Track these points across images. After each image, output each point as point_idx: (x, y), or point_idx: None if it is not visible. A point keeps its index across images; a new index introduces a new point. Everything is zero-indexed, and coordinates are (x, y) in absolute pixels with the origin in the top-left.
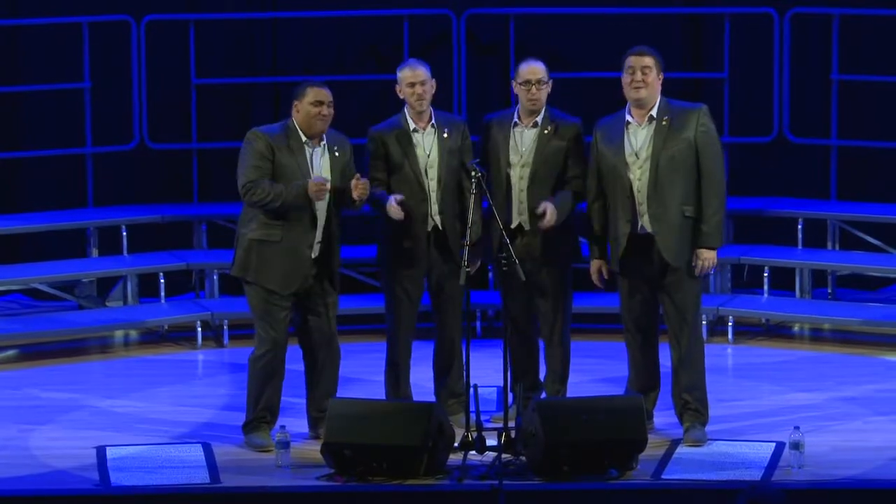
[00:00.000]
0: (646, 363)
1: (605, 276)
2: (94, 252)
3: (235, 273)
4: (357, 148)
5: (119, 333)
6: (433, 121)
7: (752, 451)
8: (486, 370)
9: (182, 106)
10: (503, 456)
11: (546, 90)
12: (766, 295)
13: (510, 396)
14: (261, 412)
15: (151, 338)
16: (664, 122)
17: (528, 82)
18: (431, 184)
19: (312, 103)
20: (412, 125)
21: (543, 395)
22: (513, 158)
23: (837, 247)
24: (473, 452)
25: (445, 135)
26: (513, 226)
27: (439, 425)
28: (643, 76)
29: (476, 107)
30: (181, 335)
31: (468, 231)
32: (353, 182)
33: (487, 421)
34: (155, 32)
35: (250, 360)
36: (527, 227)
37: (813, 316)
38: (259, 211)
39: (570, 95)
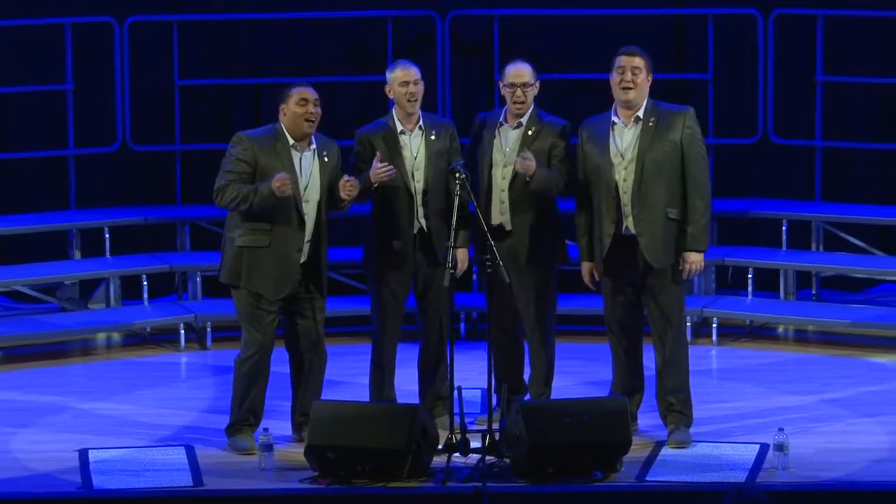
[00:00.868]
0: (630, 365)
1: (597, 278)
2: (77, 254)
3: (225, 280)
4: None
5: (101, 336)
6: (421, 123)
7: (736, 452)
8: (471, 372)
9: (165, 107)
10: (487, 458)
11: (532, 92)
12: (750, 296)
13: (494, 398)
14: (244, 415)
15: (134, 340)
16: (650, 124)
17: (512, 85)
18: (418, 186)
19: (298, 103)
20: (400, 127)
21: (528, 397)
22: (496, 157)
23: (822, 248)
24: (457, 455)
25: (433, 137)
26: (494, 224)
27: (423, 428)
28: (633, 77)
29: (460, 109)
30: (164, 337)
31: (452, 233)
32: (341, 182)
33: (472, 423)
34: (138, 33)
35: (236, 362)
36: (508, 227)
37: (797, 317)
38: (244, 216)
39: (555, 97)
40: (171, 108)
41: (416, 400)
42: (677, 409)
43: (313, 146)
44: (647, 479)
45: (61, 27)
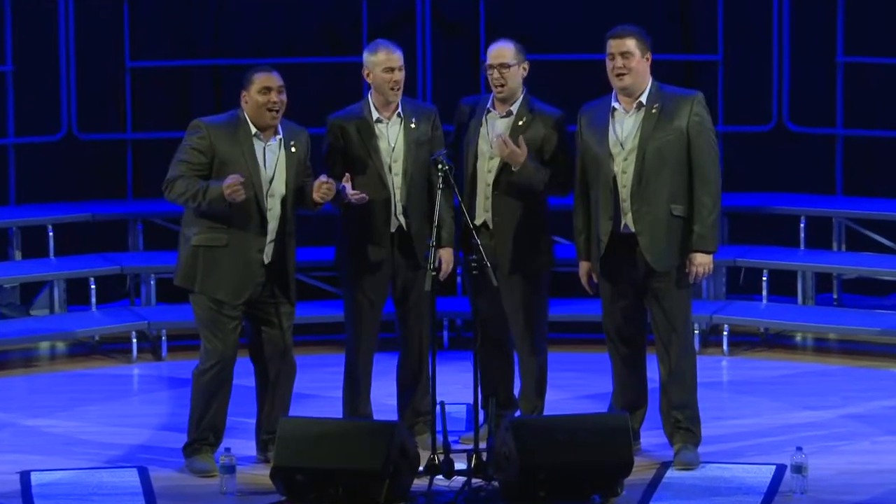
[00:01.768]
0: (631, 377)
1: (595, 280)
2: (17, 255)
3: (179, 282)
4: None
5: (45, 345)
6: (399, 110)
7: (749, 474)
8: (455, 385)
9: (115, 92)
10: (473, 481)
11: (515, 74)
12: (764, 301)
13: (481, 415)
14: (203, 432)
15: (81, 350)
16: (654, 110)
17: (490, 66)
18: (396, 179)
19: (260, 91)
20: (376, 114)
21: (518, 412)
22: (482, 148)
23: (844, 248)
24: (440, 477)
25: (413, 125)
26: (477, 223)
27: (402, 447)
28: (624, 62)
29: (443, 94)
30: (114, 347)
31: (434, 231)
32: (317, 183)
33: (456, 442)
34: (84, 10)
35: (194, 373)
36: (492, 226)
37: (816, 324)
38: (198, 213)
39: (547, 80)
40: (122, 92)
41: (394, 416)
42: (684, 427)
43: (279, 135)
44: (651, 503)
45: (0, 3)
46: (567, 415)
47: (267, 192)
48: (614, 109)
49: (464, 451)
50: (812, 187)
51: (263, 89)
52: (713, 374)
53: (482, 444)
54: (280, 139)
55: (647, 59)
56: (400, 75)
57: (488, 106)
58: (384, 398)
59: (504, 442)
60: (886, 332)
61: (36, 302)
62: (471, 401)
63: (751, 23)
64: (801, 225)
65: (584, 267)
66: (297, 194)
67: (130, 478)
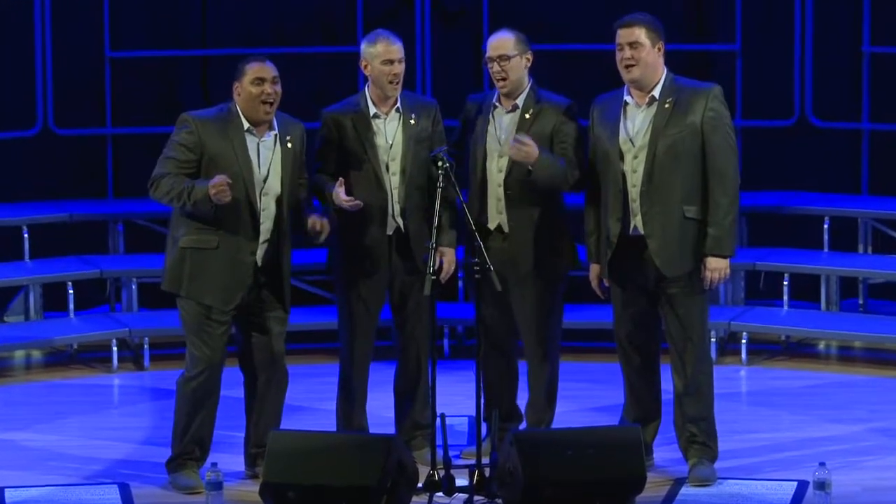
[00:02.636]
0: (644, 388)
1: (607, 284)
2: None
3: (167, 287)
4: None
5: (20, 354)
6: (398, 104)
7: (769, 491)
8: (456, 396)
9: (94, 84)
10: (475, 498)
11: (516, 66)
12: (785, 307)
13: (484, 428)
14: (188, 446)
15: (58, 359)
16: (667, 105)
17: (490, 59)
18: (394, 179)
19: (253, 82)
20: (373, 109)
21: (523, 425)
22: (490, 146)
23: (870, 250)
24: (440, 494)
25: (412, 121)
26: (491, 227)
27: (400, 462)
28: (633, 52)
29: (443, 87)
30: (94, 356)
31: (434, 233)
32: (311, 220)
33: (457, 457)
34: None
35: (179, 382)
36: (507, 228)
37: (841, 332)
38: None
39: (555, 71)
40: (102, 84)
41: (391, 429)
42: (700, 441)
43: (274, 131)
44: None
45: None
46: (575, 428)
47: (261, 192)
48: (626, 104)
49: (465, 466)
50: (836, 186)
51: (257, 80)
52: (731, 385)
53: (485, 460)
54: (275, 135)
55: (659, 49)
56: (400, 68)
57: (494, 101)
58: (381, 410)
59: (508, 457)
60: None
61: (10, 308)
62: (473, 413)
63: (771, 10)
64: (825, 226)
65: (594, 270)
66: (292, 200)
67: (111, 495)
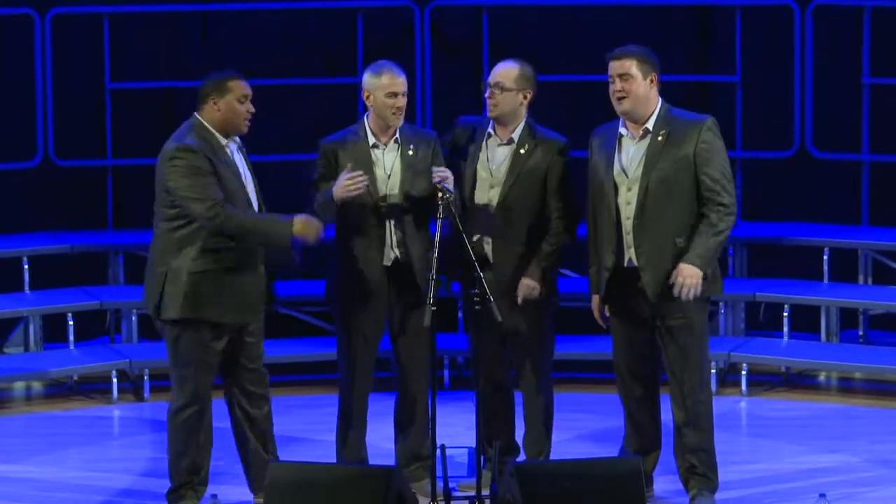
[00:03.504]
0: (644, 418)
1: (608, 314)
2: None
3: (182, 313)
4: (299, 164)
5: (19, 385)
6: (397, 135)
7: None
8: (456, 428)
9: (94, 115)
10: None
11: (510, 99)
12: (785, 338)
13: (483, 459)
14: (187, 476)
15: (58, 390)
16: (660, 138)
17: (487, 85)
18: (392, 209)
19: (240, 99)
20: (372, 139)
21: (522, 457)
22: (481, 174)
23: (870, 281)
24: None
25: (411, 151)
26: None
27: (399, 494)
28: (623, 84)
29: (443, 118)
30: (94, 387)
31: (434, 263)
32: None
33: (456, 489)
34: (62, 28)
35: (170, 413)
36: (491, 258)
37: (841, 363)
38: (198, 237)
39: (556, 102)
40: (102, 116)
41: (391, 460)
42: (700, 472)
43: (237, 141)
44: None
45: None
46: (575, 459)
47: (248, 201)
48: (621, 136)
49: (465, 498)
50: (836, 217)
51: (243, 97)
52: (731, 416)
53: (485, 491)
54: (238, 145)
55: (652, 81)
56: (403, 101)
57: (489, 130)
58: (380, 441)
59: (508, 488)
60: None
61: (10, 339)
62: (472, 444)
63: (771, 41)
64: (825, 257)
65: (596, 300)
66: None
67: None
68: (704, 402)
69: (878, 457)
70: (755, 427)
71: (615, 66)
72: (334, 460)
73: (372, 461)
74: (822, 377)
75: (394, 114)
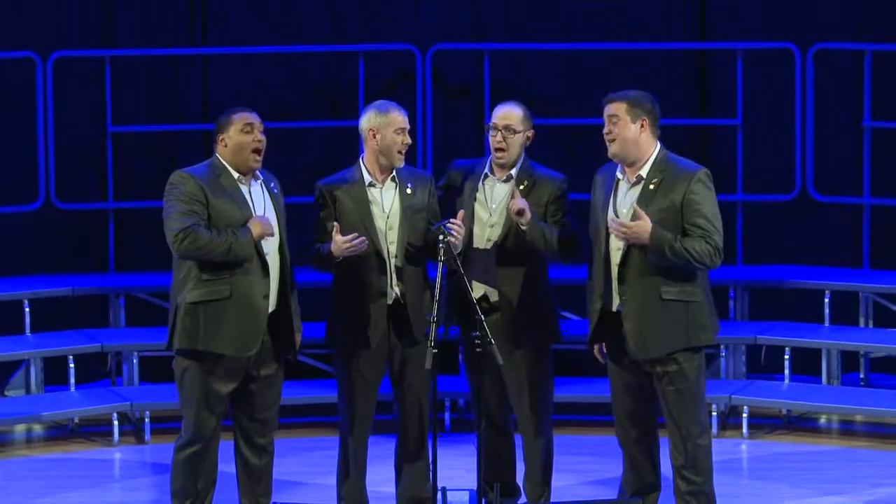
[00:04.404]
0: (643, 460)
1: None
2: None
3: (180, 345)
4: (302, 207)
5: (20, 428)
6: (394, 174)
7: None
8: (457, 470)
9: (96, 158)
10: None
11: (519, 141)
12: (786, 381)
13: (484, 502)
14: None
15: (59, 433)
16: (652, 186)
17: (494, 127)
18: (391, 248)
19: (243, 130)
20: (369, 178)
21: (523, 499)
22: (480, 214)
23: (871, 324)
24: None
25: (409, 191)
26: (476, 296)
27: None
28: (611, 127)
29: (444, 160)
30: (95, 430)
31: (435, 305)
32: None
33: None
34: (64, 71)
35: (175, 447)
36: (494, 297)
37: (842, 406)
38: (194, 269)
39: (554, 144)
40: (104, 159)
41: None
42: None
43: (259, 178)
44: None
45: None
46: (576, 502)
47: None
48: (618, 180)
49: None
50: (837, 260)
51: (247, 126)
52: (732, 458)
53: None
54: (261, 182)
55: (643, 125)
56: (408, 139)
57: (486, 171)
58: (381, 484)
59: None
60: None
61: (11, 382)
62: (474, 487)
63: (772, 85)
64: (826, 300)
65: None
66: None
67: None
68: (703, 445)
69: (879, 499)
70: (756, 470)
71: (606, 109)
72: (335, 503)
73: None
74: (823, 420)
75: (400, 151)
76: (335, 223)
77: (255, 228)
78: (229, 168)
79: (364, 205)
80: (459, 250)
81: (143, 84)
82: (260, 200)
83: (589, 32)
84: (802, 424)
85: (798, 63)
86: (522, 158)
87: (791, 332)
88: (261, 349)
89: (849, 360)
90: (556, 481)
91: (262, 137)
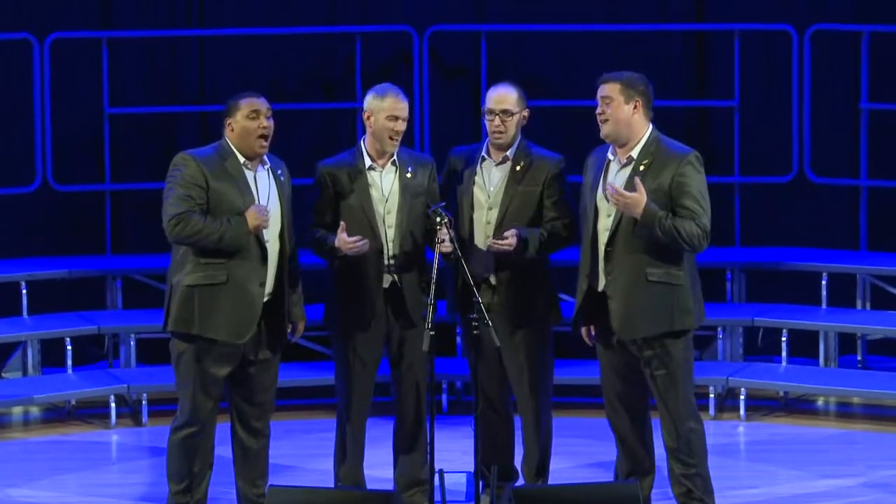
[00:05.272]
0: (635, 442)
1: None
2: None
3: (174, 327)
4: (297, 189)
5: (17, 410)
6: (395, 157)
7: None
8: (455, 452)
9: (93, 140)
10: None
11: (516, 122)
12: (784, 363)
13: (482, 484)
14: (181, 497)
15: (56, 415)
16: (642, 167)
17: (491, 111)
18: (389, 232)
19: (248, 116)
20: (368, 161)
21: (521, 481)
22: (479, 198)
23: (868, 306)
24: None
25: (409, 174)
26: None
27: None
28: (604, 107)
29: (441, 142)
30: (92, 412)
31: (432, 288)
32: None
33: None
34: (61, 53)
35: (171, 429)
36: (493, 281)
37: (839, 388)
38: (192, 252)
39: (552, 126)
40: (101, 140)
41: (389, 486)
42: (697, 497)
43: (266, 164)
44: None
45: None
46: (574, 484)
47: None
48: (608, 161)
49: None
50: (834, 242)
51: (252, 113)
52: (729, 441)
53: None
54: (268, 168)
55: (637, 106)
56: (402, 126)
57: (483, 153)
58: (379, 466)
59: None
60: None
61: (8, 364)
62: (471, 469)
63: (769, 67)
64: (823, 282)
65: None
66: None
67: None
68: (695, 428)
69: (876, 481)
70: (753, 452)
71: (600, 90)
72: (332, 485)
73: (370, 486)
74: (820, 402)
75: (391, 138)
76: (342, 222)
77: (250, 219)
78: (236, 152)
79: (363, 188)
80: (452, 250)
81: (140, 66)
82: (265, 187)
83: (587, 14)
84: (800, 407)
85: (795, 44)
86: (519, 139)
87: (788, 315)
88: (257, 334)
89: (846, 343)
90: (555, 464)
91: (269, 123)
